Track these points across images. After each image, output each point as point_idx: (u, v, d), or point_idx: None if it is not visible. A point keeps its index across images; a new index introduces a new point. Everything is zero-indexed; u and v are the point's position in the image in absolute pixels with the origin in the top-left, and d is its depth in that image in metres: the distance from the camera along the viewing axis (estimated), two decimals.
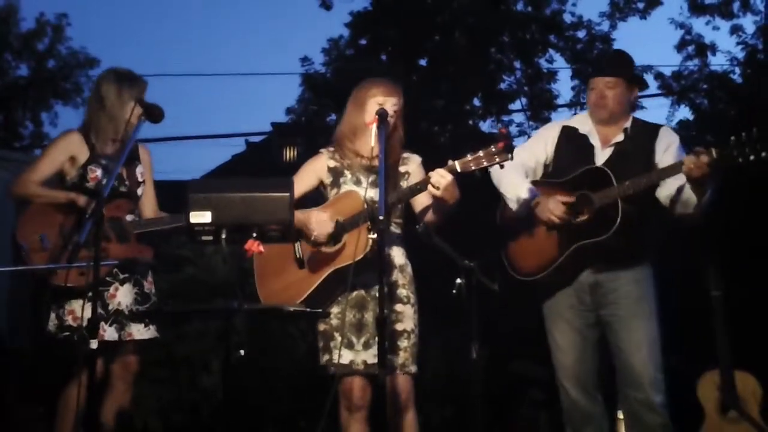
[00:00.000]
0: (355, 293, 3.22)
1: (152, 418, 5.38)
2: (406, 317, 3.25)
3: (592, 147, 3.41)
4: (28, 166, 3.56)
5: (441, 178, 2.97)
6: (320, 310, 3.22)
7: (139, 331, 3.45)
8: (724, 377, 4.03)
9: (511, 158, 2.95)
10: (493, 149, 2.93)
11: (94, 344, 2.79)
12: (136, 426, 5.20)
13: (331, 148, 3.43)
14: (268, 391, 5.50)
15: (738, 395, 4.02)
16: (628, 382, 3.27)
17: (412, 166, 3.37)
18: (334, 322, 3.24)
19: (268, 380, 5.52)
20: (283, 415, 5.52)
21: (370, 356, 3.16)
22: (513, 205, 3.39)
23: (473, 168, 2.95)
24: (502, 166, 2.99)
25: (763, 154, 2.96)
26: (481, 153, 2.95)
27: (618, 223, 3.16)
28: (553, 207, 3.27)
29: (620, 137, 3.39)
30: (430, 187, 3.01)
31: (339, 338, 3.20)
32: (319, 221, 3.21)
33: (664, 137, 3.38)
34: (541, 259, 3.35)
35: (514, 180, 3.38)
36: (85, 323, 3.16)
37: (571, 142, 3.46)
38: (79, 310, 3.31)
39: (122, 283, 3.46)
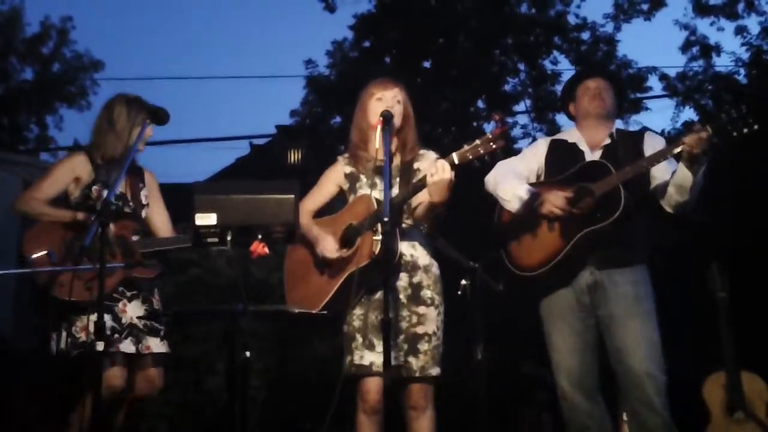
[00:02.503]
0: (378, 295, 3.18)
1: (159, 422, 5.39)
2: (429, 320, 3.23)
3: (581, 152, 3.47)
4: (33, 184, 3.63)
5: (437, 167, 2.93)
6: (325, 311, 3.23)
7: (156, 345, 3.50)
8: (730, 378, 4.02)
9: (506, 145, 2.90)
10: (490, 135, 2.88)
11: (100, 346, 2.81)
12: (142, 429, 5.20)
13: (347, 155, 3.45)
14: (273, 393, 5.50)
15: (745, 396, 4.01)
16: (628, 382, 3.25)
17: (424, 163, 3.29)
18: (356, 323, 3.23)
19: (275, 382, 5.53)
20: (288, 416, 5.52)
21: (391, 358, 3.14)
22: (512, 207, 3.38)
23: (471, 157, 2.90)
24: (499, 154, 2.94)
25: (756, 126, 3.08)
26: (478, 141, 2.90)
27: (622, 206, 3.18)
28: (554, 200, 3.27)
29: (608, 141, 3.45)
30: (427, 176, 2.95)
31: (360, 339, 3.20)
32: (325, 248, 3.27)
33: (650, 139, 3.45)
34: (544, 253, 3.34)
35: (510, 182, 3.40)
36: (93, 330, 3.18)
37: (561, 151, 3.52)
38: (90, 324, 3.29)
39: (130, 300, 3.50)
